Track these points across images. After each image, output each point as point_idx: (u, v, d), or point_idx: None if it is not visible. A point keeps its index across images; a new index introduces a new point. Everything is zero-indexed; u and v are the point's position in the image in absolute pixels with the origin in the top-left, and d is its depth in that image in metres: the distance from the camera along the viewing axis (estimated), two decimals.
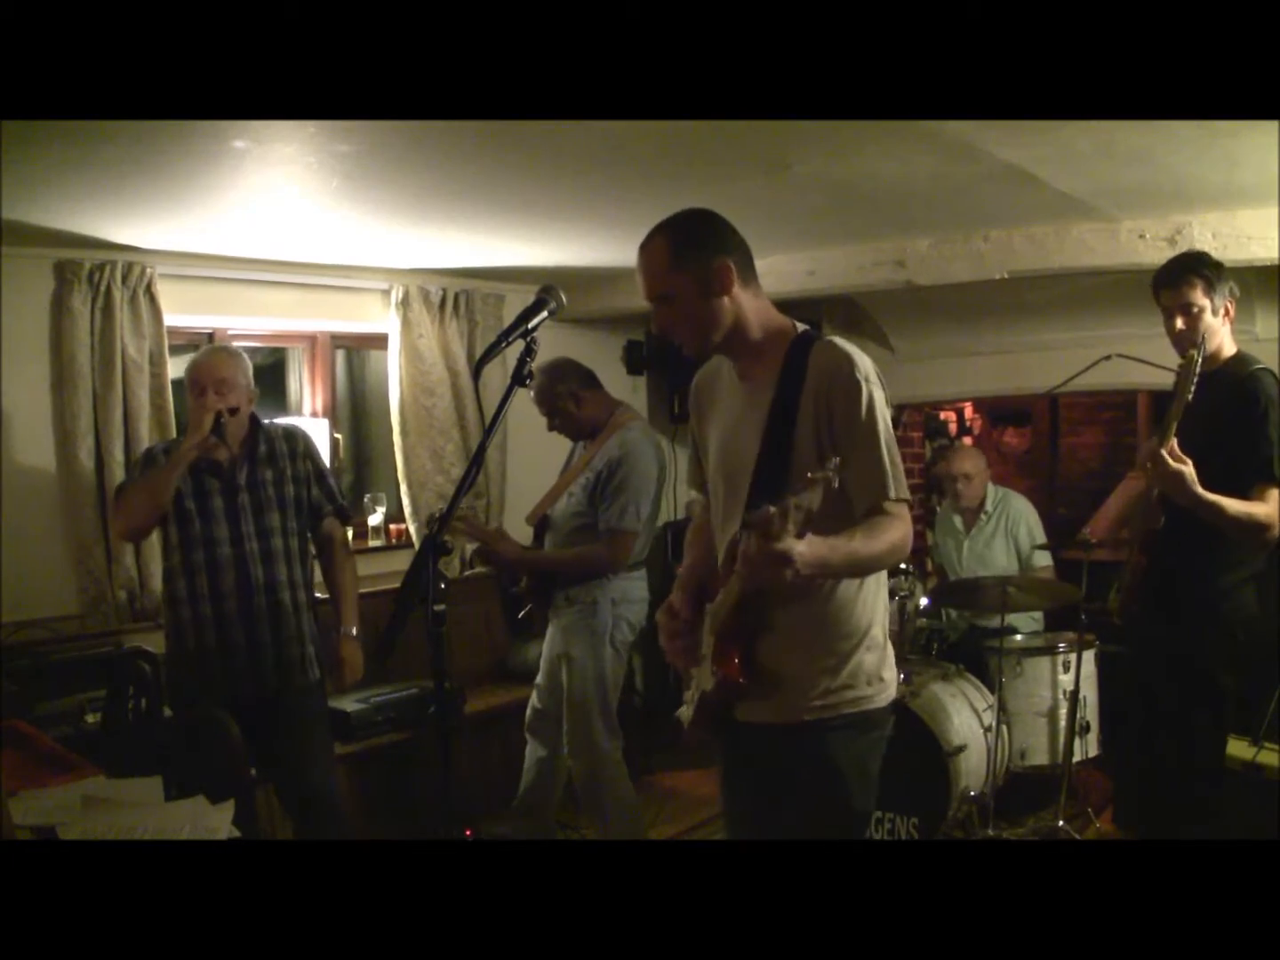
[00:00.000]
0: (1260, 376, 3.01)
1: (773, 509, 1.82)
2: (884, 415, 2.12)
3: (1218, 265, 3.07)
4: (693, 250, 2.16)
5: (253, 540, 3.22)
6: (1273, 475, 2.91)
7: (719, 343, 2.22)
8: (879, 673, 2.24)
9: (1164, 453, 2.81)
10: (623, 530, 3.70)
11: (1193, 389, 2.82)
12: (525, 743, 4.06)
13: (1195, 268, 3.03)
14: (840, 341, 2.19)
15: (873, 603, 2.25)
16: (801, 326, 2.27)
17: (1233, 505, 2.86)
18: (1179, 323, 3.03)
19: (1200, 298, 3.00)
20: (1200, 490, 2.82)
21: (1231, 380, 3.04)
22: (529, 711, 4.03)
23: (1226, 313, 3.07)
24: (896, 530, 2.08)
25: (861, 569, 2.13)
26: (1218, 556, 3.03)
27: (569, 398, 3.84)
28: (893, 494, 2.09)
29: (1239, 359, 3.10)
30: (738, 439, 2.24)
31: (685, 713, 2.34)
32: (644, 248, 2.23)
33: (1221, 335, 3.07)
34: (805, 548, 1.88)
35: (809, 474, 1.82)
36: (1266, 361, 3.12)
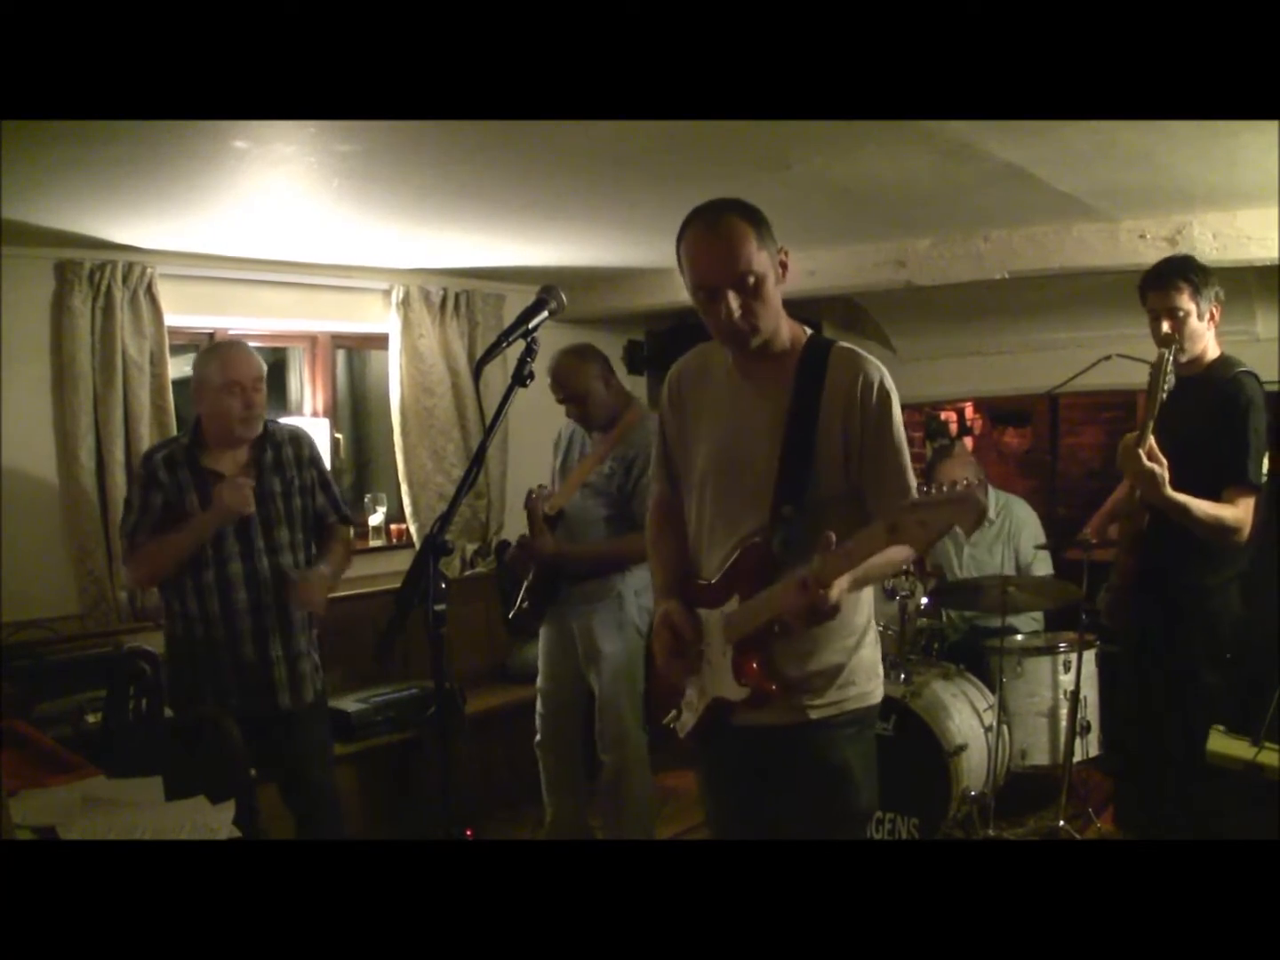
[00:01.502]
0: (1243, 380, 3.04)
1: (837, 548, 1.91)
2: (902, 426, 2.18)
3: (1204, 270, 3.09)
4: (768, 232, 2.10)
5: (262, 557, 3.20)
6: (1245, 479, 2.95)
7: (770, 339, 2.16)
8: (876, 668, 2.28)
9: (1140, 451, 2.85)
10: None
11: (1166, 388, 2.85)
12: (526, 742, 4.04)
13: (1182, 272, 3.05)
14: (859, 350, 2.19)
15: (869, 598, 2.28)
16: (808, 329, 2.26)
17: (1199, 507, 2.89)
18: (1164, 326, 3.05)
19: (1186, 302, 3.02)
20: (1169, 491, 2.86)
21: (1215, 383, 3.07)
22: (539, 724, 3.98)
23: (1212, 317, 3.08)
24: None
25: (882, 579, 2.17)
26: (1203, 556, 3.06)
27: (600, 379, 3.76)
28: None
29: (1223, 362, 3.12)
30: (744, 440, 2.20)
31: (685, 721, 2.31)
32: (717, 226, 2.07)
33: (1206, 339, 3.10)
34: (845, 585, 1.97)
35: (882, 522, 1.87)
36: (1267, 361, 3.14)
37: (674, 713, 2.35)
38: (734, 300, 2.07)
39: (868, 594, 2.26)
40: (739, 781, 2.33)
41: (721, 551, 2.22)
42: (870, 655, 2.26)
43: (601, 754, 3.84)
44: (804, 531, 2.10)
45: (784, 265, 2.15)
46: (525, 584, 3.90)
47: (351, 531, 3.54)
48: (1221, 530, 2.94)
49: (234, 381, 3.13)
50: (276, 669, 3.21)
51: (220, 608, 3.16)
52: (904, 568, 2.21)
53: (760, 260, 2.06)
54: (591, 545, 3.76)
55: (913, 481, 2.16)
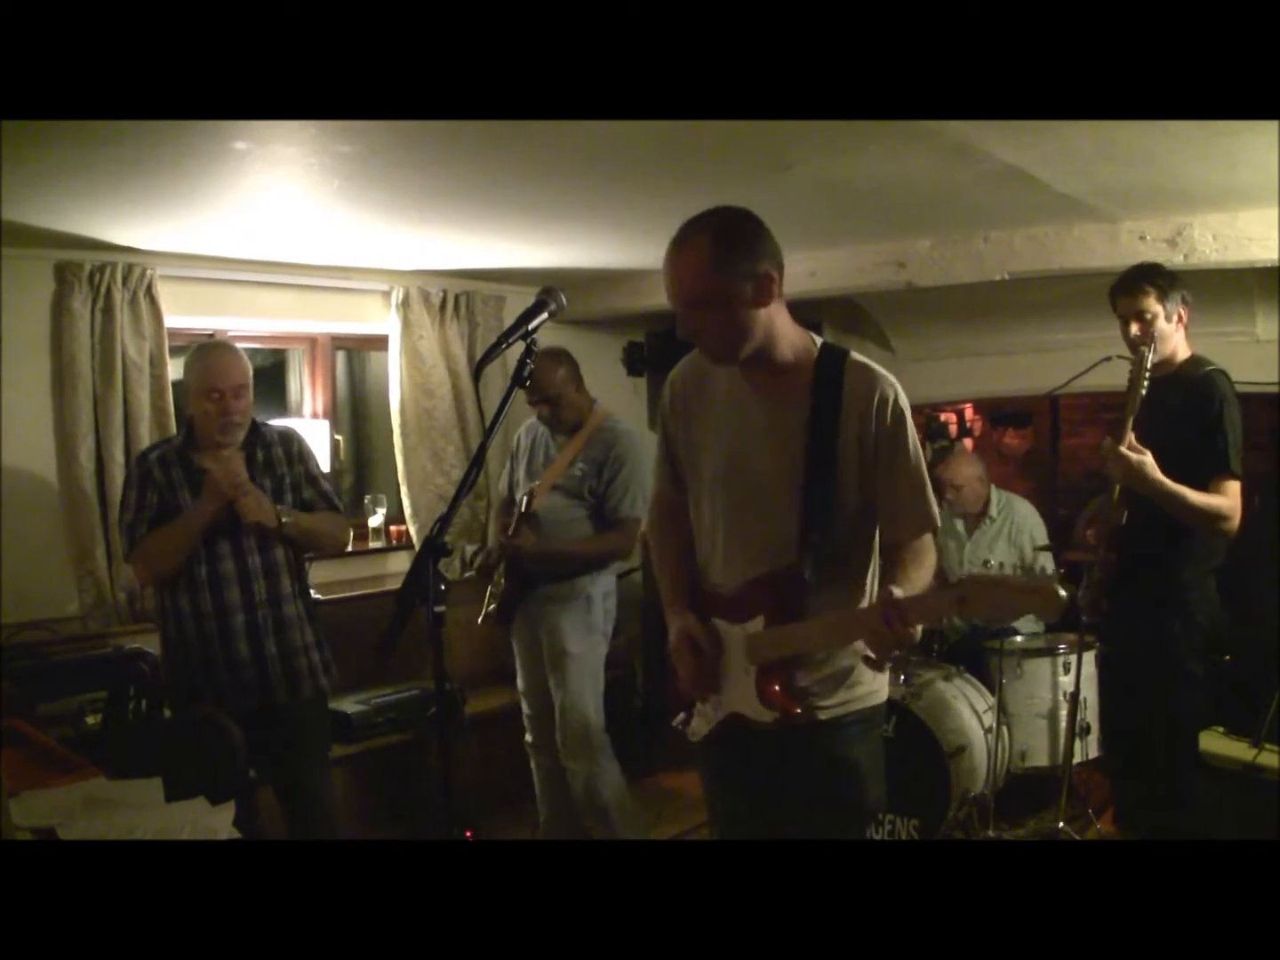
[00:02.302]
0: (1214, 376, 3.16)
1: (905, 598, 1.91)
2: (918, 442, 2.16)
3: (1170, 274, 3.22)
4: (738, 255, 2.02)
5: (254, 554, 3.21)
6: (1228, 467, 3.05)
7: (746, 357, 2.11)
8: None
9: (1122, 448, 2.97)
10: (636, 519, 3.75)
11: (1146, 382, 2.98)
12: (525, 742, 4.04)
13: (1149, 276, 3.19)
14: (873, 363, 2.17)
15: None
16: (819, 339, 2.22)
17: (1195, 495, 3.00)
18: (1134, 328, 3.18)
19: (1154, 305, 3.15)
20: (1163, 479, 2.97)
21: (1188, 382, 3.18)
22: (528, 724, 3.99)
23: (1180, 319, 3.20)
24: (933, 556, 2.17)
25: None
26: (1181, 550, 3.16)
27: (572, 383, 3.83)
28: (938, 524, 2.18)
29: (1193, 361, 3.24)
30: (758, 452, 2.17)
31: (696, 727, 2.31)
32: (682, 246, 2.04)
33: (1176, 340, 3.21)
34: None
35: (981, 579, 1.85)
36: (1268, 363, 3.18)
37: (682, 715, 2.34)
38: (688, 320, 2.08)
39: (873, 595, 2.26)
40: (745, 782, 2.31)
41: (736, 563, 2.21)
42: None
43: (565, 760, 3.83)
44: (828, 559, 2.11)
45: (769, 281, 2.06)
46: (491, 587, 3.91)
47: (350, 530, 3.51)
48: (1216, 518, 3.03)
49: (213, 388, 3.14)
50: (271, 666, 3.21)
51: (213, 605, 3.17)
52: None
53: (712, 285, 2.01)
54: (569, 543, 3.81)
55: (933, 505, 2.17)
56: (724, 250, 2.01)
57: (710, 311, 2.04)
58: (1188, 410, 3.13)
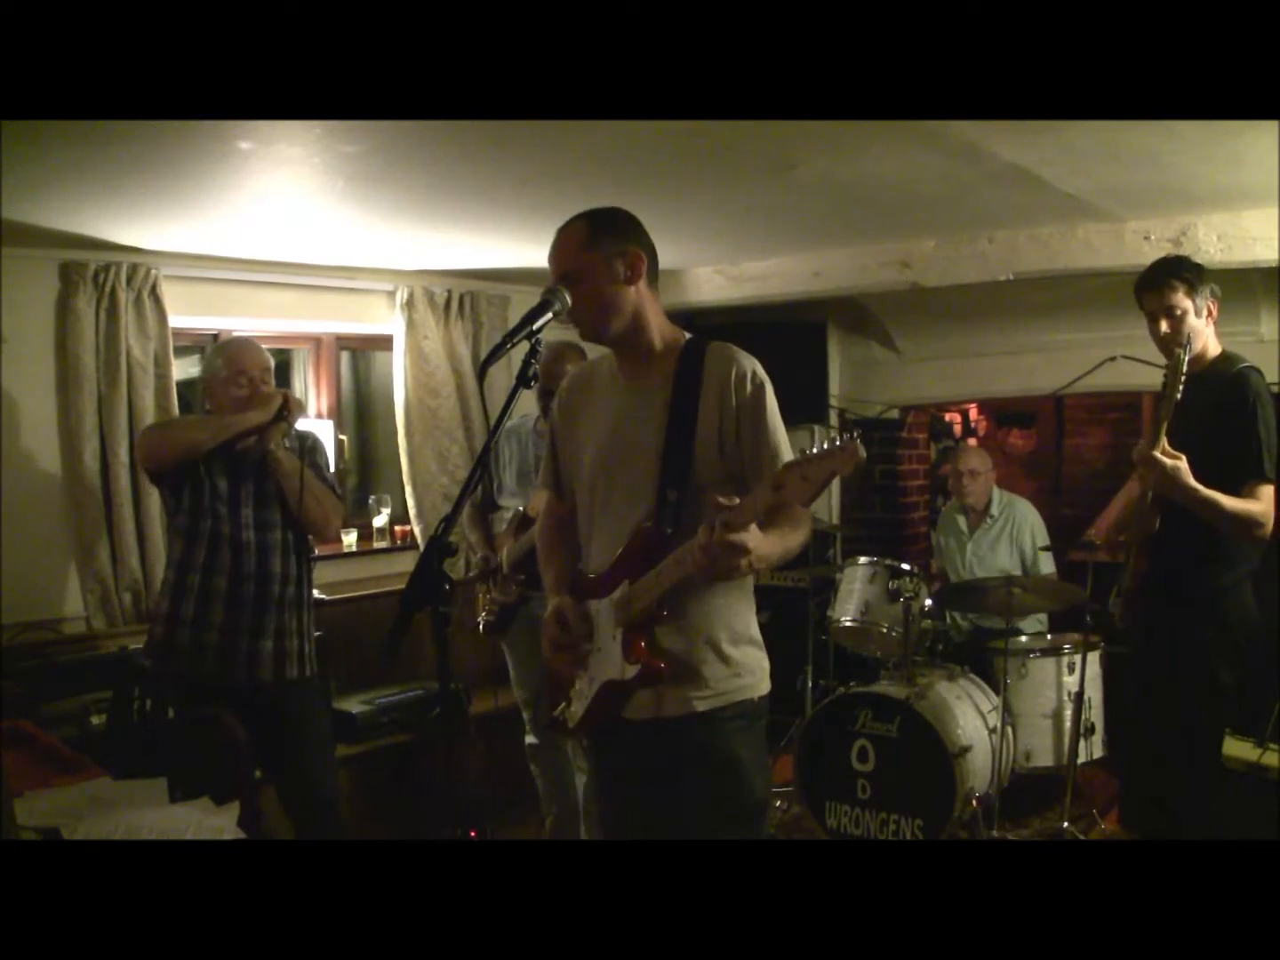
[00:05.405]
0: (1248, 375, 3.05)
1: (738, 501, 1.96)
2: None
3: (1198, 267, 3.10)
4: (608, 235, 2.23)
5: (250, 529, 3.22)
6: (1263, 472, 2.95)
7: (617, 333, 2.26)
8: (761, 662, 2.33)
9: (1157, 453, 2.86)
10: None
11: (1181, 389, 2.86)
12: (527, 745, 4.03)
13: (1176, 270, 3.07)
14: (733, 346, 2.30)
15: (750, 594, 2.34)
16: (687, 333, 2.35)
17: (1229, 502, 2.90)
18: (1163, 326, 3.07)
19: (1183, 300, 3.04)
20: (1197, 486, 2.87)
21: (1220, 380, 3.07)
22: (531, 727, 3.96)
23: (1209, 314, 3.09)
24: (806, 525, 2.22)
25: (782, 561, 2.22)
26: (1216, 555, 3.06)
27: None
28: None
29: (1225, 359, 3.13)
30: (628, 436, 2.27)
31: (574, 711, 2.34)
32: (561, 229, 2.26)
33: (1206, 336, 3.10)
34: (760, 539, 2.01)
35: (776, 473, 1.93)
36: (1272, 363, 3.13)
37: (563, 705, 2.38)
38: (566, 294, 2.22)
39: (750, 588, 2.33)
40: (628, 778, 2.35)
41: (609, 543, 2.28)
42: (755, 649, 2.31)
43: (575, 760, 3.81)
44: (688, 515, 2.16)
45: (637, 260, 2.24)
46: (483, 597, 3.88)
47: (339, 517, 3.46)
48: (1250, 524, 2.94)
49: (240, 371, 3.20)
50: (237, 640, 3.19)
51: (204, 559, 3.18)
52: (801, 548, 2.23)
53: (584, 259, 2.20)
54: None
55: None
56: (596, 231, 2.23)
57: (583, 285, 2.21)
58: (1220, 411, 3.02)
